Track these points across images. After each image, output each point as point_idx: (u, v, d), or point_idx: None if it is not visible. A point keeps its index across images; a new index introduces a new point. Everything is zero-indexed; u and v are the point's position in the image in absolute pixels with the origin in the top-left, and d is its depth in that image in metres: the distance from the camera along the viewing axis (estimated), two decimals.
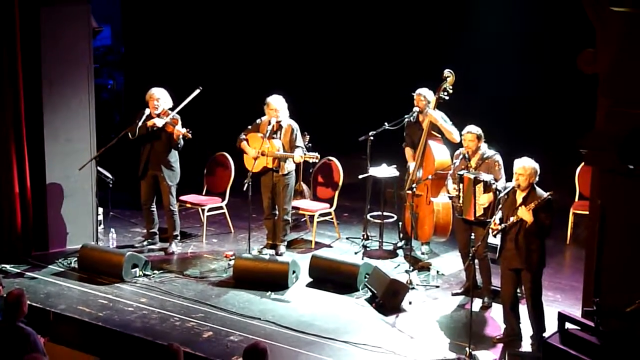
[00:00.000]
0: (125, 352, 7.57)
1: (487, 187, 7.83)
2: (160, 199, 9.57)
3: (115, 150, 9.51)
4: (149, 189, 9.55)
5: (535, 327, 7.34)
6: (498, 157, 8.10)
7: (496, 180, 7.91)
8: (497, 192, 7.76)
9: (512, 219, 7.20)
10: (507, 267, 7.40)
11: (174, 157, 9.44)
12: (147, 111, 9.30)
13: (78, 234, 9.63)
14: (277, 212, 9.46)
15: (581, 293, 7.16)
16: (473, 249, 7.62)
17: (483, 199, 7.85)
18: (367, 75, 13.04)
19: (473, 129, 8.13)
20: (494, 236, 7.44)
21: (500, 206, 7.42)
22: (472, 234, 8.21)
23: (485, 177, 7.87)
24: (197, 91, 9.38)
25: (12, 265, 9.12)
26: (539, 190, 7.20)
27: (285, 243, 9.54)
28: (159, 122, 9.24)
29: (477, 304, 8.06)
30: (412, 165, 9.29)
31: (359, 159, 10.32)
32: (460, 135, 8.37)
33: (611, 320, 6.26)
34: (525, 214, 7.10)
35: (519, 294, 7.62)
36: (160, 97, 9.32)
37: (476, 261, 8.03)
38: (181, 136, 9.20)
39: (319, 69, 13.16)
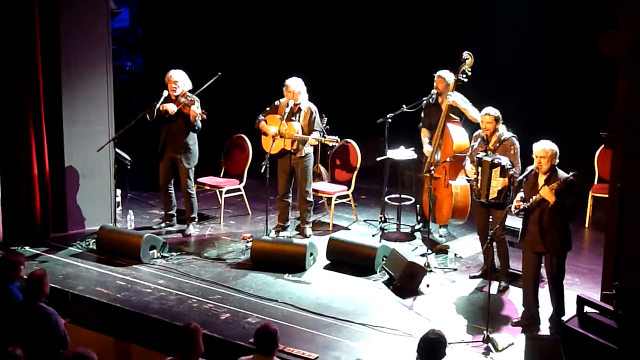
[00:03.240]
0: (143, 333, 7.60)
1: (504, 171, 7.78)
2: (178, 181, 9.59)
3: (133, 132, 9.51)
4: (167, 171, 9.56)
5: (556, 309, 7.31)
6: (515, 140, 8.03)
7: (512, 163, 7.85)
8: (513, 178, 7.71)
9: (533, 198, 7.14)
10: (531, 251, 7.34)
11: (193, 139, 9.44)
12: (166, 93, 9.30)
13: (96, 215, 9.67)
14: (291, 195, 9.46)
15: (600, 276, 7.11)
16: (491, 231, 7.59)
17: (497, 183, 7.80)
18: (386, 57, 12.96)
19: (491, 111, 8.07)
20: (517, 215, 7.39)
21: (522, 188, 7.36)
22: (490, 217, 8.17)
23: (503, 160, 7.82)
24: (216, 77, 9.37)
25: (30, 247, 9.17)
26: (560, 172, 7.14)
27: (311, 224, 9.54)
28: (171, 108, 9.24)
29: (494, 287, 8.04)
30: (426, 145, 9.26)
31: (377, 142, 10.28)
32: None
33: (630, 304, 6.21)
34: (547, 193, 7.05)
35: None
36: (178, 80, 9.31)
37: (494, 244, 8.01)
38: (198, 117, 9.20)
39: (337, 51, 13.10)
